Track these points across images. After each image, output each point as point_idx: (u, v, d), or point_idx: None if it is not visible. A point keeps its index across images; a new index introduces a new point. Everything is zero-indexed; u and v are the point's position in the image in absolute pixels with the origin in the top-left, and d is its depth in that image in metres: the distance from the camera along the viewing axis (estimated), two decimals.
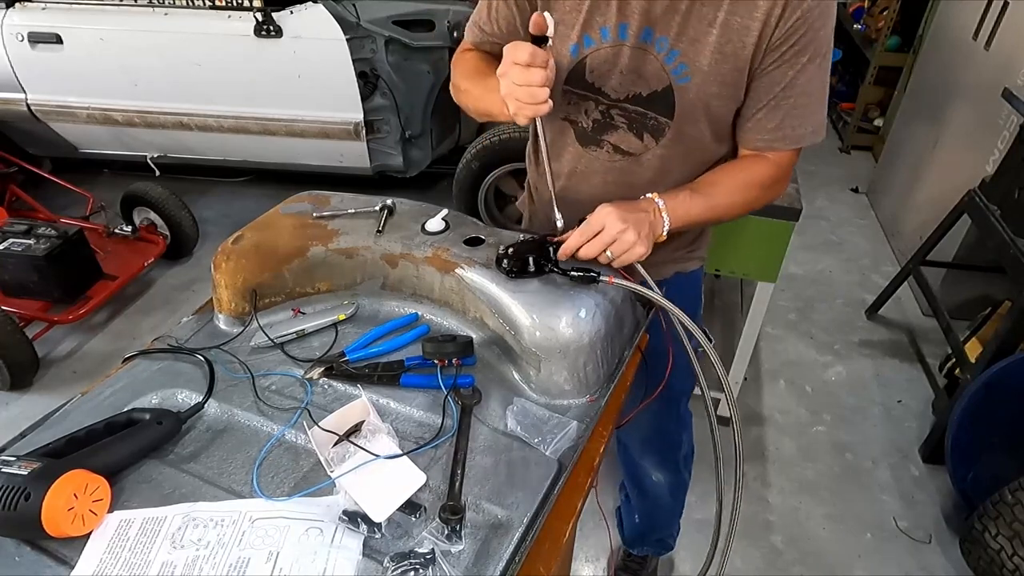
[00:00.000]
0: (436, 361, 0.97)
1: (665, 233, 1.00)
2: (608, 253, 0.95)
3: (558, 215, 1.03)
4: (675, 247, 1.26)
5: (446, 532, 0.76)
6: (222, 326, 1.09)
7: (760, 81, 0.99)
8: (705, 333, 1.01)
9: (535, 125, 1.17)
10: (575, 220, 1.02)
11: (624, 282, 0.95)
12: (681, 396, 1.49)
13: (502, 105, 0.92)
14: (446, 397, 0.94)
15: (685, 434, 1.57)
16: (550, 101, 0.89)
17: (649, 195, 1.01)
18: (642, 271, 0.99)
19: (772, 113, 1.01)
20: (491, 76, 0.99)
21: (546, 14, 0.84)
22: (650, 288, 0.97)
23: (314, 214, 1.15)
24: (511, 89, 0.88)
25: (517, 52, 0.85)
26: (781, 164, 1.08)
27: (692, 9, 0.95)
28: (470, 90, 1.10)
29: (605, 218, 0.95)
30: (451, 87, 1.17)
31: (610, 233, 0.94)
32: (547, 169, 1.01)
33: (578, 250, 0.97)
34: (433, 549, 0.74)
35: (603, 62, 1.02)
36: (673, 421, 1.51)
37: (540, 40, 0.85)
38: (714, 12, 0.95)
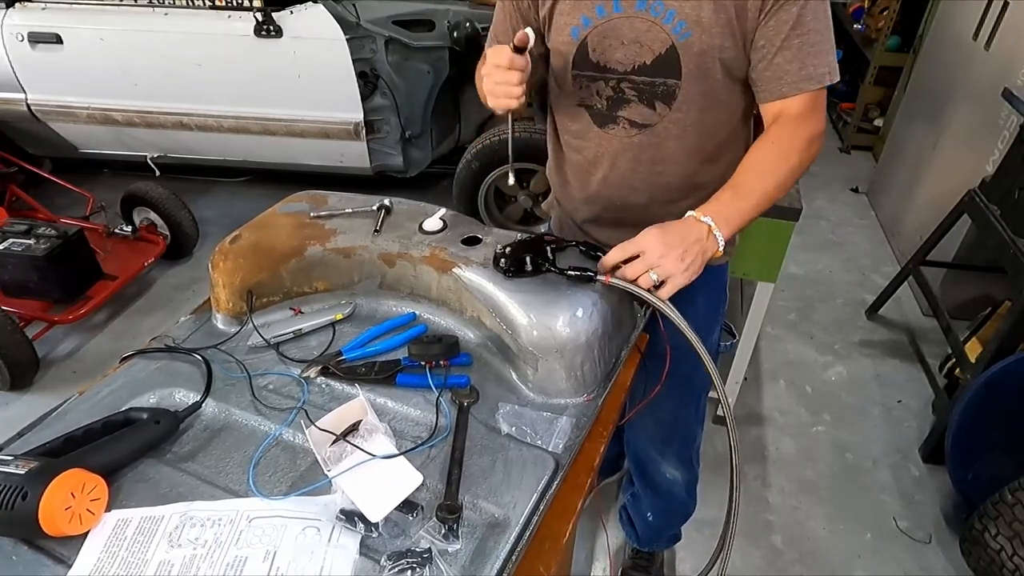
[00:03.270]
0: (423, 363, 0.97)
1: (721, 248, 0.96)
2: (653, 275, 0.92)
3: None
4: None
5: (443, 531, 0.76)
6: (220, 325, 1.09)
7: (767, 25, 0.99)
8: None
9: (553, 132, 1.25)
10: (608, 219, 1.11)
11: (621, 282, 0.95)
12: (703, 390, 1.48)
13: None
14: (438, 397, 0.94)
15: (699, 428, 1.56)
16: (523, 98, 0.99)
17: (693, 213, 0.97)
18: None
19: (787, 53, 1.00)
20: None
21: (528, 31, 0.95)
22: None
23: (311, 214, 1.15)
24: (491, 87, 0.99)
25: (498, 56, 0.96)
26: (805, 113, 1.03)
27: None
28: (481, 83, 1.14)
29: (649, 241, 0.93)
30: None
31: (650, 258, 0.92)
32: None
33: (617, 267, 0.96)
34: (430, 548, 0.74)
35: (603, 38, 1.06)
36: (692, 414, 1.50)
37: (521, 51, 0.96)
38: None
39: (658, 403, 1.14)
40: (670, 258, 0.92)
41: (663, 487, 1.61)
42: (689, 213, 0.98)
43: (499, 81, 0.98)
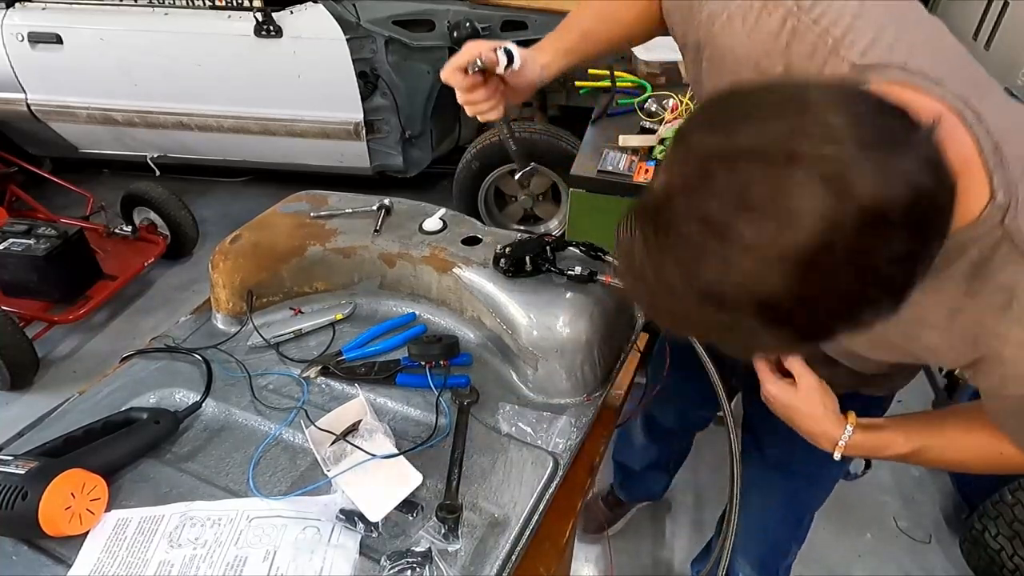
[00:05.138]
0: (423, 363, 0.97)
1: (837, 455, 0.87)
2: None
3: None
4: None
5: (443, 531, 0.76)
6: (220, 325, 1.09)
7: None
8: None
9: None
10: None
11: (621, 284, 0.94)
12: (807, 510, 1.28)
13: None
14: (438, 397, 0.94)
15: (794, 545, 1.37)
16: (499, 108, 0.91)
17: (844, 414, 0.88)
18: None
19: None
20: (583, 21, 0.96)
21: (502, 50, 0.84)
22: None
23: (311, 214, 1.15)
24: (465, 107, 0.92)
25: (455, 81, 0.88)
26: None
27: None
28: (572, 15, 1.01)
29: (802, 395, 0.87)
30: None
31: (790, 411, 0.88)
32: None
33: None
34: (430, 548, 0.74)
35: None
36: (787, 528, 1.32)
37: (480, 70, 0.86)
38: None
39: (749, 499, 1.03)
40: (800, 418, 0.87)
41: None
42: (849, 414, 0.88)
43: (465, 102, 0.91)
